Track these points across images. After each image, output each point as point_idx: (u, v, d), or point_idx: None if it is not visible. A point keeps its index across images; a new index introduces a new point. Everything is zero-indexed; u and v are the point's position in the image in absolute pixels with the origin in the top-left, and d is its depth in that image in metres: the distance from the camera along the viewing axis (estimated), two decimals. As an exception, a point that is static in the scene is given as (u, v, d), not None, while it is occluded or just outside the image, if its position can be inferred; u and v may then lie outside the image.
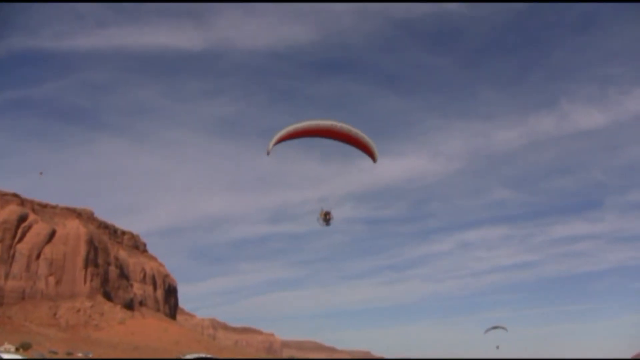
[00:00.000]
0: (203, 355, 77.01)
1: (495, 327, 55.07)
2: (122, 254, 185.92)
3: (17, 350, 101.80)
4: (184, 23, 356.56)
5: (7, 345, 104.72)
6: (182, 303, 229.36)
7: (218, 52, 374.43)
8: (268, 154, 25.18)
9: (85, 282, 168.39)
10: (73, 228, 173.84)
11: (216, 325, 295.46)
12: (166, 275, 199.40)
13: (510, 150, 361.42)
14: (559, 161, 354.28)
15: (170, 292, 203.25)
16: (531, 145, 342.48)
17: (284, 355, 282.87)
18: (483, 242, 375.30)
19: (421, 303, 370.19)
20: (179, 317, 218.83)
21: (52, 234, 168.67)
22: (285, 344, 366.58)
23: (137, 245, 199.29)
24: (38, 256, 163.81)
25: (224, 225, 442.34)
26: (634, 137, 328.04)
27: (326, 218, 28.29)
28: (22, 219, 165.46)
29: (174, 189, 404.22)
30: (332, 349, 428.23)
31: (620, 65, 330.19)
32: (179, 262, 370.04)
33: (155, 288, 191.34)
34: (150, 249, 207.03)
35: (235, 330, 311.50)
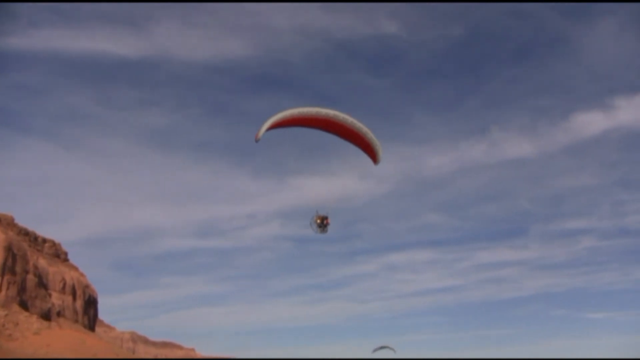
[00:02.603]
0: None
1: (382, 347, 53.82)
2: (42, 262, 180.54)
3: None
4: (122, 30, 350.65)
5: None
6: (103, 315, 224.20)
7: (155, 61, 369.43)
8: (257, 140, 21.48)
9: (0, 290, 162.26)
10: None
11: (136, 338, 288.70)
12: (87, 286, 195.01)
13: (440, 175, 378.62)
14: (487, 188, 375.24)
15: (90, 303, 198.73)
16: (461, 172, 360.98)
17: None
18: (409, 265, 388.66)
19: (345, 323, 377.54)
20: (98, 329, 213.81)
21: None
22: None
23: (58, 254, 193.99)
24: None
25: (150, 238, 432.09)
26: (561, 169, 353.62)
27: (323, 224, 25.16)
28: None
29: (101, 199, 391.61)
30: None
31: (550, 98, 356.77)
32: (101, 273, 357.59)
33: (74, 298, 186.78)
34: (72, 259, 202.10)
35: (155, 344, 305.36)
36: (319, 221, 25.14)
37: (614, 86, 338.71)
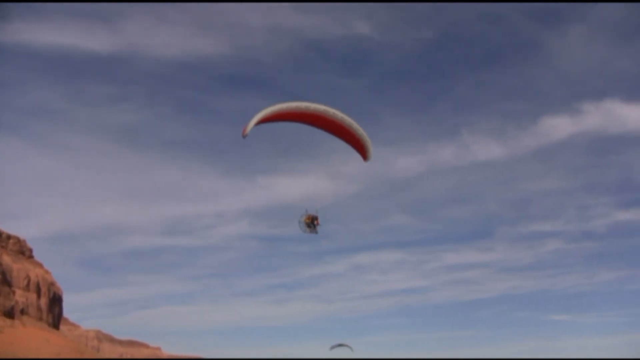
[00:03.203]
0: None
1: (340, 345, 54.27)
2: (6, 259, 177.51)
3: None
4: (93, 25, 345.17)
5: None
6: (68, 313, 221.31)
7: (125, 57, 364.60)
8: (244, 136, 20.65)
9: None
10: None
11: (101, 337, 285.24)
12: (52, 283, 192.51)
13: (409, 176, 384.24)
14: (455, 190, 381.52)
15: (55, 301, 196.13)
16: (430, 173, 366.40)
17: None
18: (376, 265, 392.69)
19: (312, 323, 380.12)
20: (62, 327, 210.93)
21: None
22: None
23: (23, 251, 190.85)
24: None
25: (117, 235, 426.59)
26: (528, 172, 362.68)
27: (313, 224, 24.18)
28: None
29: (68, 195, 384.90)
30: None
31: (519, 102, 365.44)
32: (67, 270, 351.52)
33: (39, 296, 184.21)
34: (37, 256, 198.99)
35: (121, 343, 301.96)
36: (308, 221, 24.06)
37: (582, 91, 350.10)
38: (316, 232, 23.98)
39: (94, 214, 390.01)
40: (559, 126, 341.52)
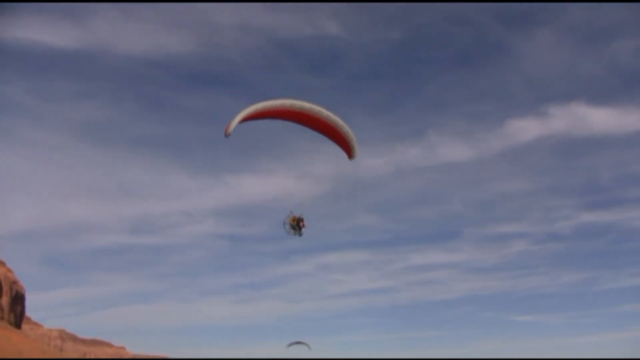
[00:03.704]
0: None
1: (298, 343, 54.52)
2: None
3: None
4: (59, 20, 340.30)
5: None
6: (30, 312, 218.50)
7: (92, 54, 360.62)
8: (227, 135, 20.06)
9: None
10: None
11: (64, 336, 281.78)
12: (14, 282, 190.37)
13: (376, 177, 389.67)
14: (422, 191, 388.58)
15: (18, 300, 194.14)
16: (397, 174, 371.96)
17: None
18: (343, 265, 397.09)
19: (278, 323, 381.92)
20: (25, 326, 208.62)
21: None
22: (136, 358, 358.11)
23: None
24: None
25: (82, 233, 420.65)
26: (495, 174, 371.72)
27: (298, 225, 23.59)
28: None
29: (32, 192, 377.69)
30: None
31: (486, 104, 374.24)
32: (30, 269, 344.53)
33: (0, 295, 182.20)
34: (0, 254, 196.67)
35: (84, 342, 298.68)
36: (293, 222, 23.47)
37: (548, 94, 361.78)
38: (300, 235, 23.43)
39: (59, 212, 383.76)
40: (525, 128, 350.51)
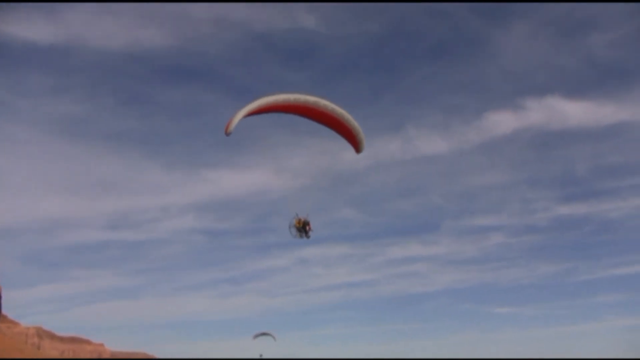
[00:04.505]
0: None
1: (264, 334, 54.17)
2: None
3: None
4: (33, 13, 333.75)
5: None
6: (7, 310, 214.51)
7: (67, 48, 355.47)
8: (228, 134, 19.23)
9: None
10: None
11: (42, 333, 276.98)
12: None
13: (355, 170, 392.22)
14: (401, 184, 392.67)
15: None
16: (376, 167, 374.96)
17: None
18: (322, 259, 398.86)
19: (257, 317, 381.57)
20: (1, 324, 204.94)
21: None
22: (115, 355, 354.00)
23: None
24: None
25: (59, 230, 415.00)
26: (473, 166, 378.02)
27: (304, 229, 23.09)
28: None
29: (7, 188, 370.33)
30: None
31: (464, 97, 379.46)
32: (7, 266, 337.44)
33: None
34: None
35: (62, 339, 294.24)
36: (299, 225, 23.02)
37: (525, 87, 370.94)
38: (308, 237, 23.00)
39: (35, 208, 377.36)
40: (502, 121, 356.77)
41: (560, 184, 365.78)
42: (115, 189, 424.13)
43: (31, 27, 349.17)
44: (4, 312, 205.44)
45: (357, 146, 23.39)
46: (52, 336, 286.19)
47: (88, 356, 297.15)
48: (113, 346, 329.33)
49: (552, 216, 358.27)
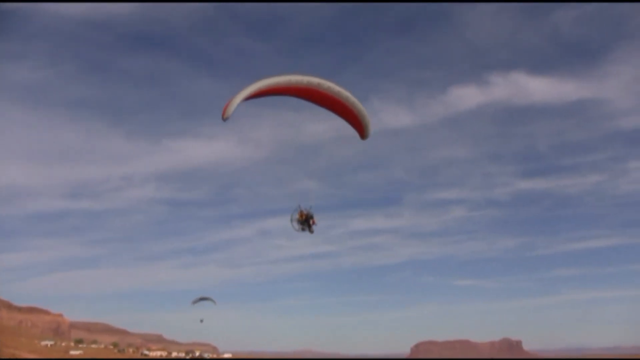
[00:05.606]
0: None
1: (202, 299, 52.84)
2: None
3: None
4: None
5: None
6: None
7: (26, 13, 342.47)
8: (225, 119, 17.76)
9: None
10: None
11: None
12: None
13: (318, 142, 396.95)
14: (364, 157, 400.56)
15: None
16: (339, 139, 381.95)
17: (72, 336, 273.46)
18: (284, 231, 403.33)
19: (219, 288, 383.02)
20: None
21: None
22: (74, 325, 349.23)
23: None
24: None
25: (18, 198, 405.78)
26: (437, 140, 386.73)
27: (307, 222, 22.06)
28: None
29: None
30: (124, 332, 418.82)
31: (429, 71, 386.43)
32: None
33: None
34: None
35: (20, 310, 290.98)
36: (301, 219, 22.05)
37: (490, 63, 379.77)
38: (311, 232, 21.95)
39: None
40: (467, 96, 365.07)
41: (521, 160, 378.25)
42: (76, 158, 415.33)
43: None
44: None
45: (362, 131, 22.25)
46: (9, 306, 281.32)
47: (47, 327, 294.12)
48: (72, 316, 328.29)
49: (513, 191, 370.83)
